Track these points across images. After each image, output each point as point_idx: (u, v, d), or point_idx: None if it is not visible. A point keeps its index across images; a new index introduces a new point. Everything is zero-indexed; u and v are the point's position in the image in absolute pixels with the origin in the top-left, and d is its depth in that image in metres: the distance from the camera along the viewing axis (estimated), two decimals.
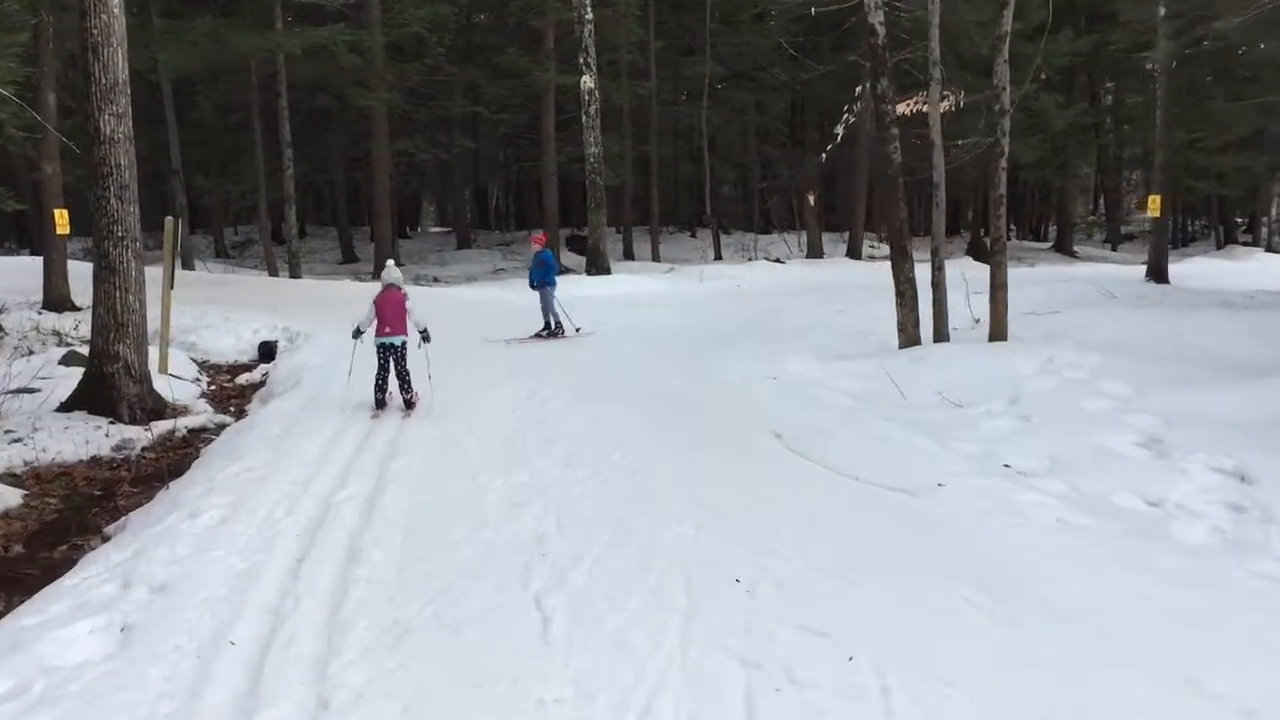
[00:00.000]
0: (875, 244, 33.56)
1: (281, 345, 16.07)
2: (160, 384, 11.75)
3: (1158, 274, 21.99)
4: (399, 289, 9.67)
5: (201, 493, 6.72)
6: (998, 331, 11.86)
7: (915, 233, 42.41)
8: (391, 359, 9.46)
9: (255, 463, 7.41)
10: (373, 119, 27.24)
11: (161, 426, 10.14)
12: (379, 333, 9.46)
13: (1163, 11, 20.90)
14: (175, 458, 9.34)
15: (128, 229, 10.30)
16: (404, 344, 9.51)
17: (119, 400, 10.21)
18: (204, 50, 23.27)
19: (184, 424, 10.38)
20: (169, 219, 13.41)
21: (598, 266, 23.67)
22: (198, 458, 8.72)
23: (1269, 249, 35.86)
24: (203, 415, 10.80)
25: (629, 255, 31.81)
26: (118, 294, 10.30)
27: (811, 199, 30.17)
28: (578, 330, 14.60)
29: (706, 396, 10.11)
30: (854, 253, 31.02)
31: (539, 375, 10.96)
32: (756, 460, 7.56)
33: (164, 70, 24.81)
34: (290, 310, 18.22)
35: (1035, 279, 21.90)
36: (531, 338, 14.47)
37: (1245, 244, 39.86)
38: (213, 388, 13.88)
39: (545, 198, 29.92)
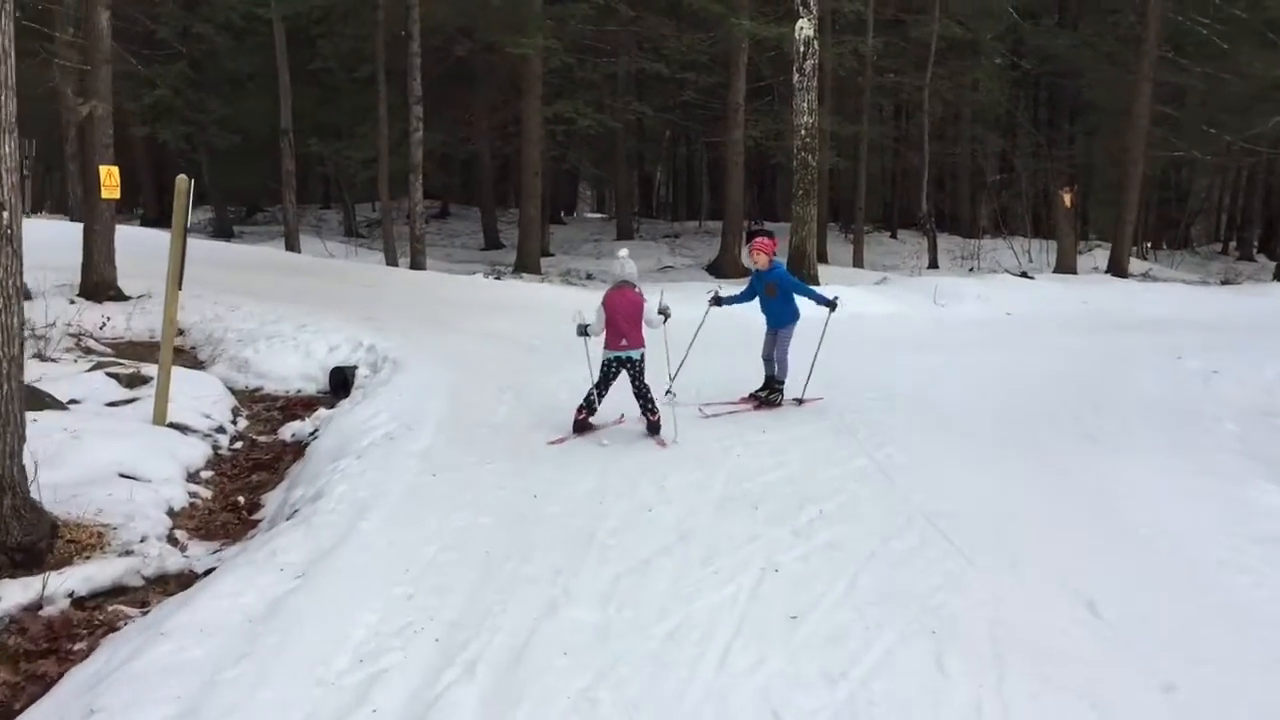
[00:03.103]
0: (1142, 257, 26.70)
1: (361, 374, 11.05)
2: (143, 444, 6.89)
3: None
4: (635, 288, 7.78)
5: None
6: None
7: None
8: (628, 375, 7.73)
9: None
10: (525, 75, 21.97)
11: (14, 595, 4.93)
12: (611, 344, 7.69)
13: None
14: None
15: None
16: (642, 357, 7.75)
17: None
18: None
19: (70, 584, 5.15)
20: (180, 178, 8.31)
21: (803, 275, 17.77)
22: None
23: None
24: (121, 561, 5.52)
25: (822, 258, 25.78)
26: None
27: (1067, 199, 23.48)
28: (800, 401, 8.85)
29: None
30: (1118, 268, 24.22)
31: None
32: None
33: (277, 6, 20.15)
34: (390, 317, 13.21)
35: None
36: (747, 400, 8.89)
37: None
38: (236, 446, 8.89)
39: (729, 184, 24.08)
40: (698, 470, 6.46)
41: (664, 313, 7.75)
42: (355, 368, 11.02)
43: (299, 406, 10.34)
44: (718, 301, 9.12)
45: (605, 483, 6.18)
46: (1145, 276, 25.98)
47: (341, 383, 10.78)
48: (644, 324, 7.66)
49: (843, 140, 27.13)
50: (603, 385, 7.68)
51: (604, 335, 7.63)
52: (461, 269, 23.43)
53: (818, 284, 18.09)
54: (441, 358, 10.72)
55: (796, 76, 17.78)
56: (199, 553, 6.23)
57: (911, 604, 4.35)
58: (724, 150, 24.78)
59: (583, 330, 7.70)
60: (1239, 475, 6.76)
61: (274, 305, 13.40)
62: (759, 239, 8.91)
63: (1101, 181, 33.11)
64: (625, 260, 7.81)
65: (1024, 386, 9.71)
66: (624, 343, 7.57)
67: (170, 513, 6.72)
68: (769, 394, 8.77)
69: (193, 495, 7.27)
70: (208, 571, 5.53)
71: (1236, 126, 25.35)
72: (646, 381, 7.71)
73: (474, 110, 26.92)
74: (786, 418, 8.15)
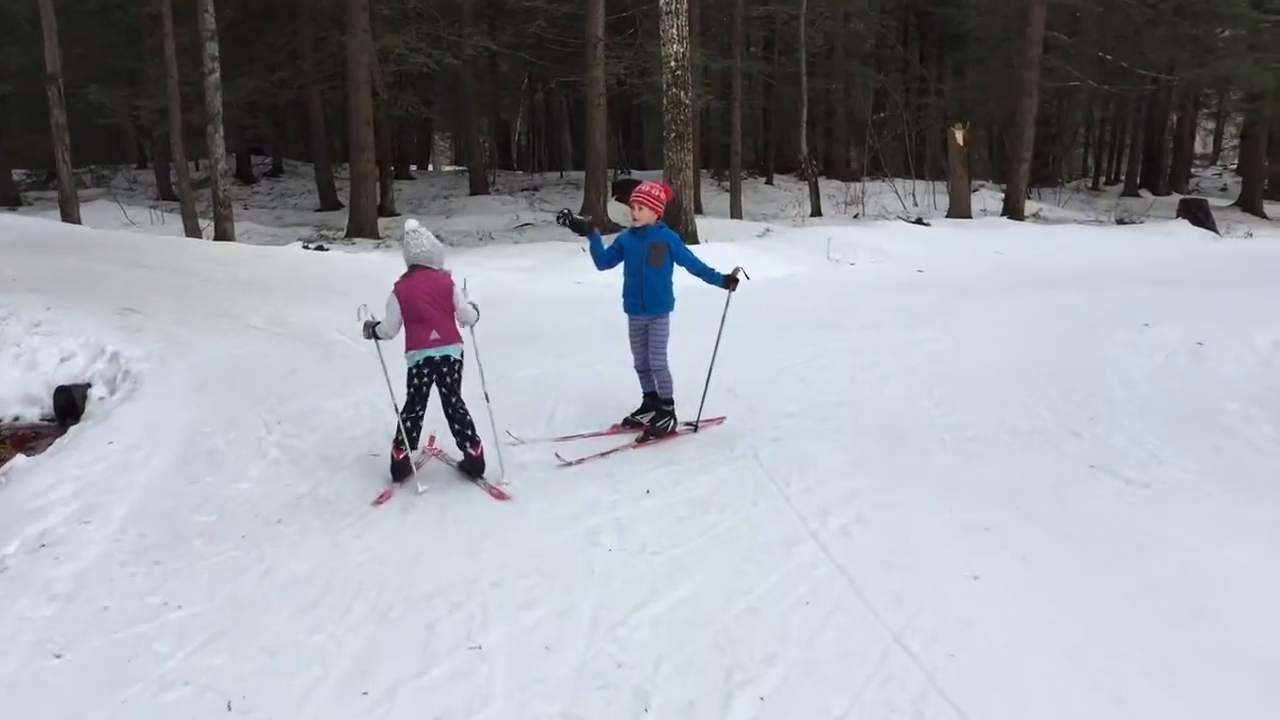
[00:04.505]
0: (1027, 196, 25.02)
1: (96, 394, 8.20)
2: None
3: None
4: (438, 269, 5.46)
5: None
6: None
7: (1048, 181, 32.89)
8: (436, 384, 5.46)
9: None
10: (349, 6, 18.72)
11: None
12: (417, 341, 5.39)
13: None
14: None
15: None
16: (459, 358, 5.49)
17: None
18: None
19: None
20: None
21: (680, 231, 15.19)
22: None
23: None
24: None
25: (697, 209, 23.29)
26: None
27: (960, 136, 21.52)
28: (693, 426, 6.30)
29: None
30: (1014, 211, 22.46)
31: None
32: None
33: None
34: (160, 309, 10.20)
35: None
36: (621, 429, 6.32)
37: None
38: None
39: (591, 128, 21.30)
40: (541, 598, 3.85)
41: (474, 307, 5.59)
42: (89, 386, 8.15)
43: (7, 445, 7.43)
44: (567, 219, 6.25)
45: (377, 647, 3.52)
46: (1037, 217, 24.39)
47: (69, 407, 7.91)
48: (456, 316, 5.54)
49: (714, 77, 24.62)
50: (416, 403, 5.49)
51: (403, 333, 5.44)
52: (290, 234, 20.18)
53: (696, 241, 15.62)
54: (202, 371, 7.87)
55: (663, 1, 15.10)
56: None
57: None
58: (584, 91, 21.97)
59: (371, 331, 5.47)
60: None
61: (8, 297, 10.26)
62: (644, 185, 6.27)
63: (979, 117, 31.45)
64: (416, 234, 5.48)
65: (985, 382, 7.38)
66: (434, 336, 5.42)
67: None
68: (656, 420, 6.19)
69: None
70: None
71: (1126, 53, 23.80)
72: (464, 396, 5.54)
73: (295, 50, 23.38)
74: (678, 459, 5.60)
